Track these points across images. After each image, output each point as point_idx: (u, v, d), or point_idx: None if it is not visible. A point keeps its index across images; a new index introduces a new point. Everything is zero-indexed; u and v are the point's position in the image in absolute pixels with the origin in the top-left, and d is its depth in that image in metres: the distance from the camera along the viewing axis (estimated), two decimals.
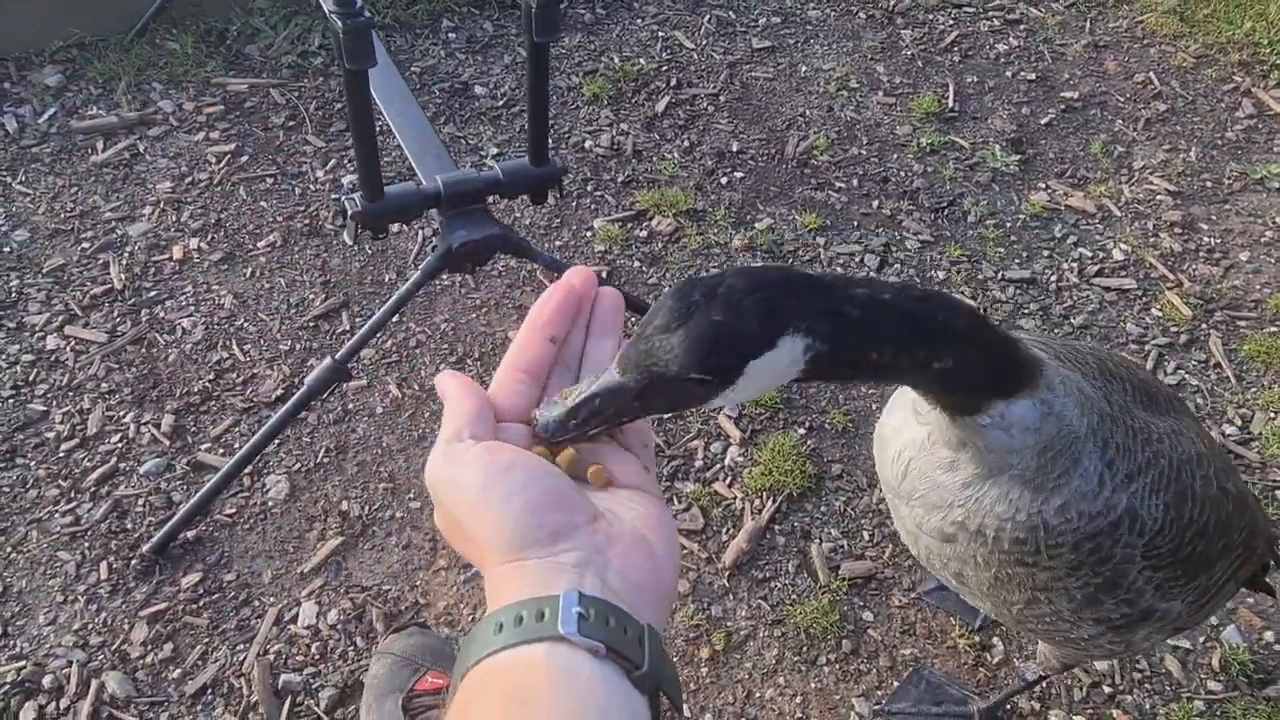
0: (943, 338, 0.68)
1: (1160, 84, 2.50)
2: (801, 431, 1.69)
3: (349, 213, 1.32)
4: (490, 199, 1.46)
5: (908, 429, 0.90)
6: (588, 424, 0.58)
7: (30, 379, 1.64)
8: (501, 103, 2.27)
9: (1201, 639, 1.45)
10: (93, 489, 1.51)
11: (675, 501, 1.57)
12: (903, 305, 0.64)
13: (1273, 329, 1.90)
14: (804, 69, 2.48)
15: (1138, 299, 1.96)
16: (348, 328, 1.76)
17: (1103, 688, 1.39)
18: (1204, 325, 1.91)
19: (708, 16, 2.61)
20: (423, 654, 1.26)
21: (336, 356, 1.41)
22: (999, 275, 2.00)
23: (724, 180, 2.16)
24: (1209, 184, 2.23)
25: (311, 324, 1.77)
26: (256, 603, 1.40)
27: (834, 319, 0.62)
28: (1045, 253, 2.06)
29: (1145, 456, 0.90)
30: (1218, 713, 1.37)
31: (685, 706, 1.34)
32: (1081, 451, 0.84)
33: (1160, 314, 1.94)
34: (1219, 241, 2.10)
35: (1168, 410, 0.99)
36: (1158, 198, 2.19)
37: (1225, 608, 1.48)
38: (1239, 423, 1.74)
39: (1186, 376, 1.82)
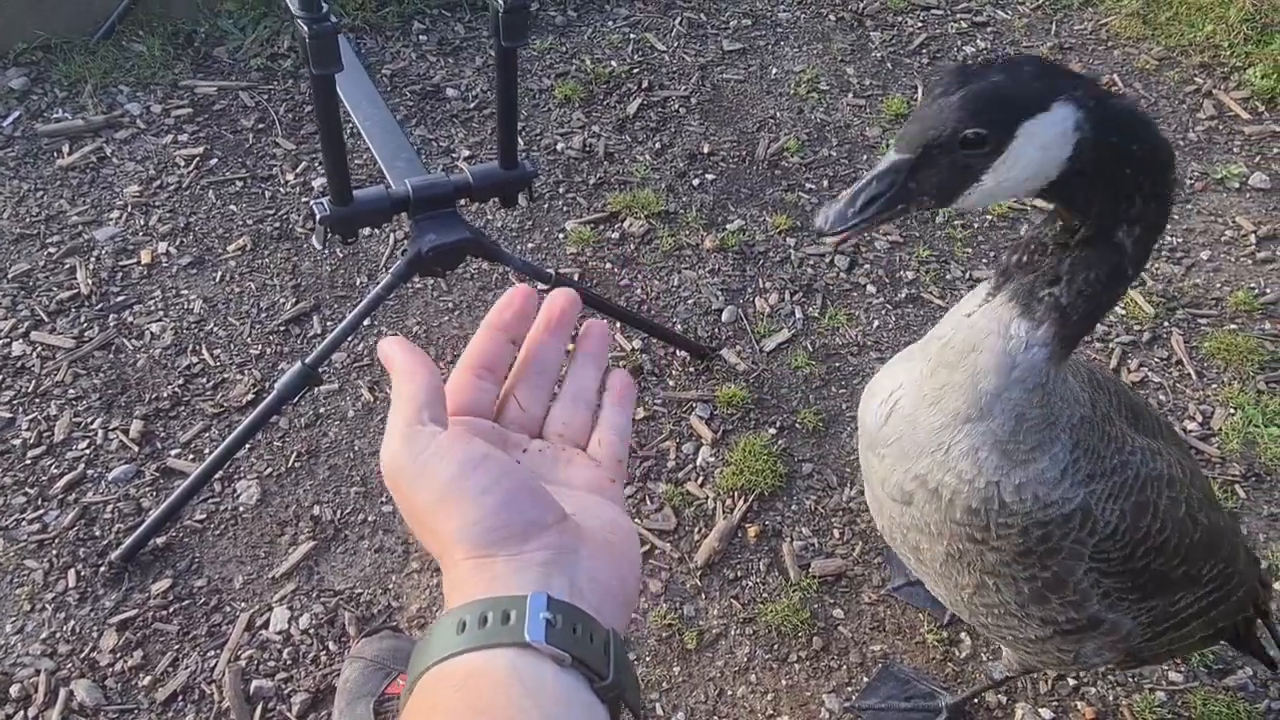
0: (1164, 180, 0.75)
1: (1123, 86, 2.54)
2: (772, 431, 1.70)
3: (318, 217, 1.32)
4: (460, 202, 1.46)
5: (908, 369, 0.91)
6: (866, 210, 0.64)
7: None
8: (473, 105, 2.27)
9: None
10: (60, 496, 1.49)
11: (648, 502, 1.58)
12: (1154, 127, 0.73)
13: (1232, 326, 1.94)
14: (774, 71, 2.50)
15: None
16: (319, 331, 1.76)
17: (1067, 680, 1.42)
18: (1166, 323, 1.95)
19: (679, 18, 2.62)
20: (394, 658, 1.26)
21: (306, 361, 1.41)
22: (967, 275, 2.02)
23: (695, 182, 2.17)
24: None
25: (282, 328, 1.77)
26: (228, 608, 1.40)
27: (1105, 101, 0.70)
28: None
29: (1113, 463, 0.91)
30: (1179, 703, 1.40)
31: (658, 705, 1.35)
32: (1055, 439, 0.87)
33: (1124, 312, 1.97)
34: (1180, 241, 2.14)
35: (1154, 434, 1.00)
36: None
37: None
38: (1199, 419, 1.78)
39: (1149, 374, 1.86)
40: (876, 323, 1.91)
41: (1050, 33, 2.73)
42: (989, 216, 2.16)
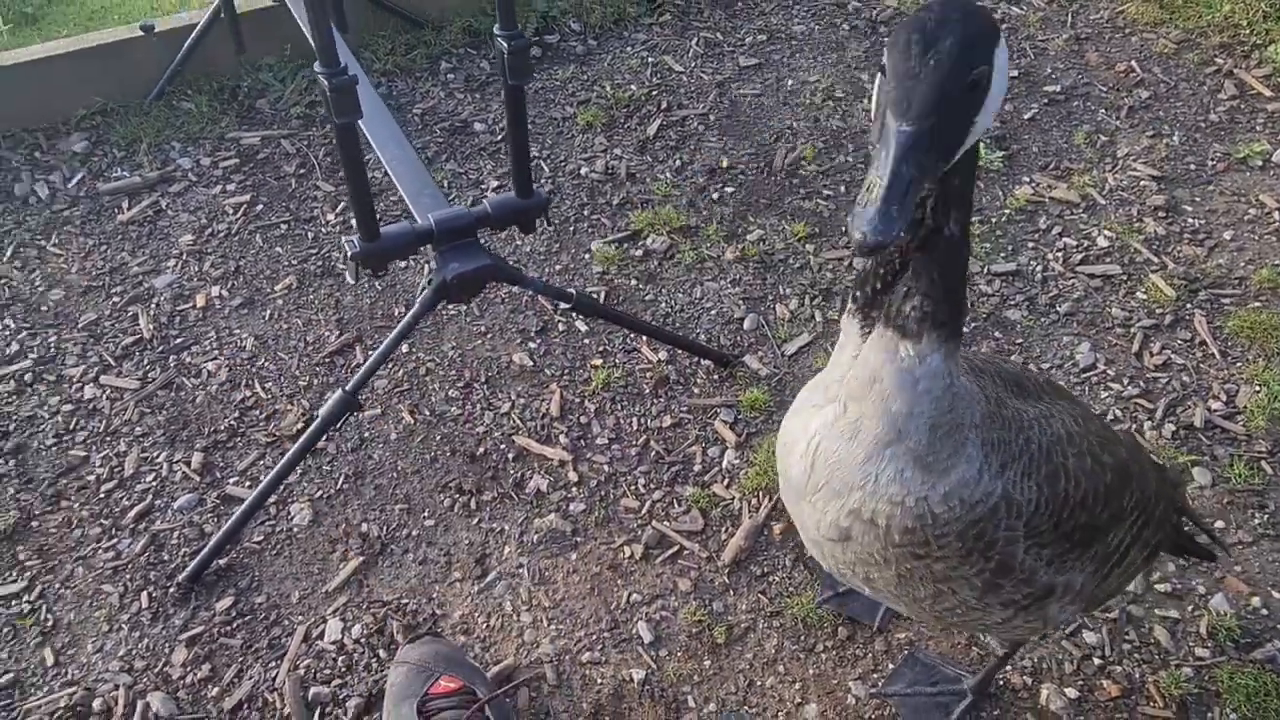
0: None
1: (1142, 71, 2.55)
2: None
3: (348, 253, 1.43)
4: (482, 232, 1.55)
5: (818, 415, 0.96)
6: (908, 202, 0.61)
7: (70, 427, 1.77)
8: (499, 138, 2.37)
9: (1190, 608, 1.50)
10: (131, 525, 1.62)
11: (675, 505, 1.65)
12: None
13: (1256, 304, 1.94)
14: (790, 82, 2.56)
15: (1122, 284, 2.01)
16: (361, 361, 1.87)
17: (1093, 659, 1.44)
18: (1188, 305, 1.96)
19: (695, 39, 2.70)
20: (436, 660, 1.35)
21: (346, 389, 1.51)
22: (984, 269, 2.06)
23: (715, 196, 2.24)
24: (1193, 166, 2.27)
25: (327, 360, 1.88)
26: (286, 622, 1.50)
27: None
28: (1030, 245, 2.12)
29: (1018, 445, 0.96)
30: (1206, 678, 1.41)
31: (690, 698, 1.41)
32: (965, 441, 0.91)
33: (1145, 297, 1.98)
34: (1203, 222, 2.14)
35: (1039, 396, 1.05)
36: (1141, 183, 2.24)
37: (1216, 579, 1.52)
38: (1224, 398, 1.78)
39: (1172, 356, 1.87)
40: None
41: (1066, 24, 2.74)
42: (1006, 211, 2.19)
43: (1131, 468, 1.11)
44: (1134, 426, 1.75)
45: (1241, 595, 1.50)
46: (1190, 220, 2.14)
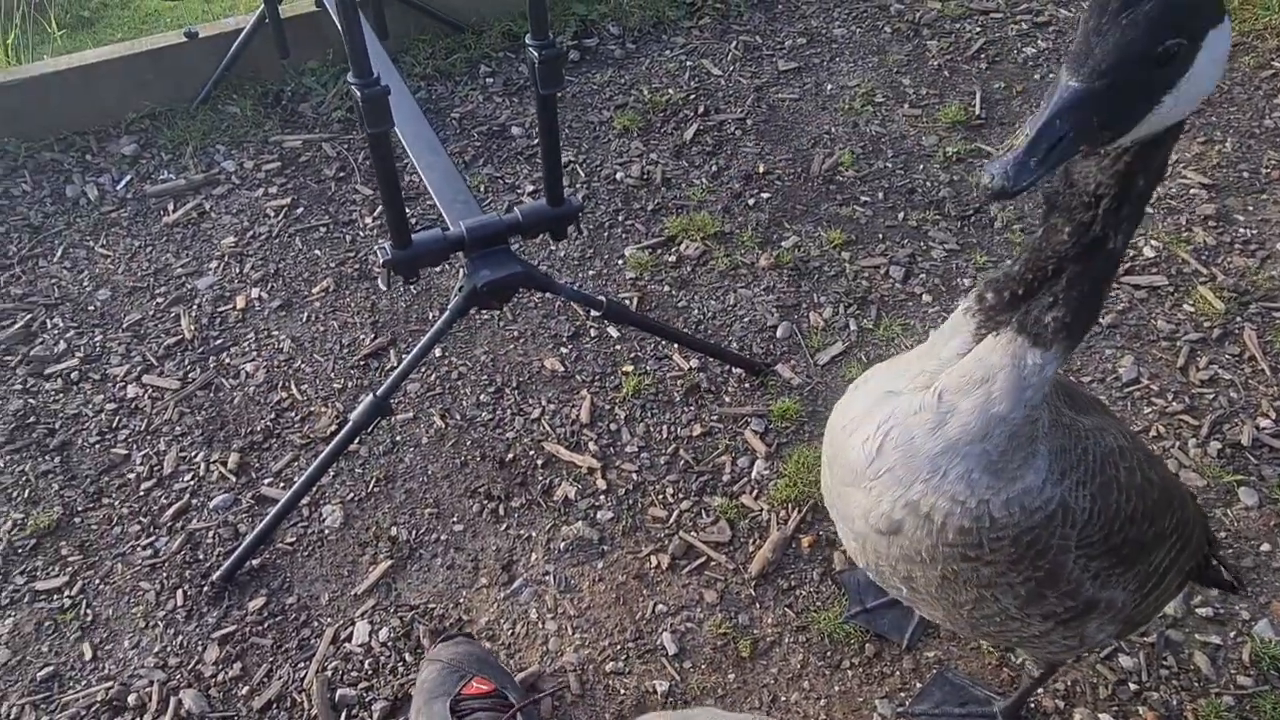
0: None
1: None
2: None
3: (380, 260, 1.44)
4: (514, 238, 1.56)
5: (896, 401, 0.93)
6: (1050, 157, 0.58)
7: (113, 425, 1.81)
8: (537, 141, 2.38)
9: (1232, 634, 1.45)
10: (169, 524, 1.65)
11: (703, 515, 1.64)
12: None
13: None
14: (829, 87, 2.54)
15: (1169, 295, 1.96)
16: (395, 365, 1.89)
17: (1129, 685, 1.41)
18: (1238, 318, 1.90)
19: (734, 43, 2.68)
20: (469, 661, 1.35)
21: (377, 393, 1.53)
22: None
23: (751, 202, 2.23)
24: (1245, 174, 2.21)
25: (362, 363, 1.90)
26: (315, 623, 1.52)
27: None
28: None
29: (1077, 454, 0.95)
30: (1248, 707, 1.37)
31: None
32: (1036, 451, 0.90)
33: (1192, 309, 1.93)
34: (1255, 232, 2.07)
35: (1089, 410, 1.03)
36: (1191, 191, 2.18)
37: (1260, 605, 1.47)
38: (1274, 416, 1.73)
39: (1219, 371, 1.81)
40: (933, 331, 1.92)
41: None
42: None
43: (1173, 489, 1.10)
44: (1178, 444, 1.70)
45: None
46: (1242, 230, 2.08)
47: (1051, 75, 2.52)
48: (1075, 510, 0.93)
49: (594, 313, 1.68)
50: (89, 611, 1.55)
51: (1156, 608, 1.16)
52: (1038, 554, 0.92)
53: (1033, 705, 1.39)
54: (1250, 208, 2.13)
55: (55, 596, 1.57)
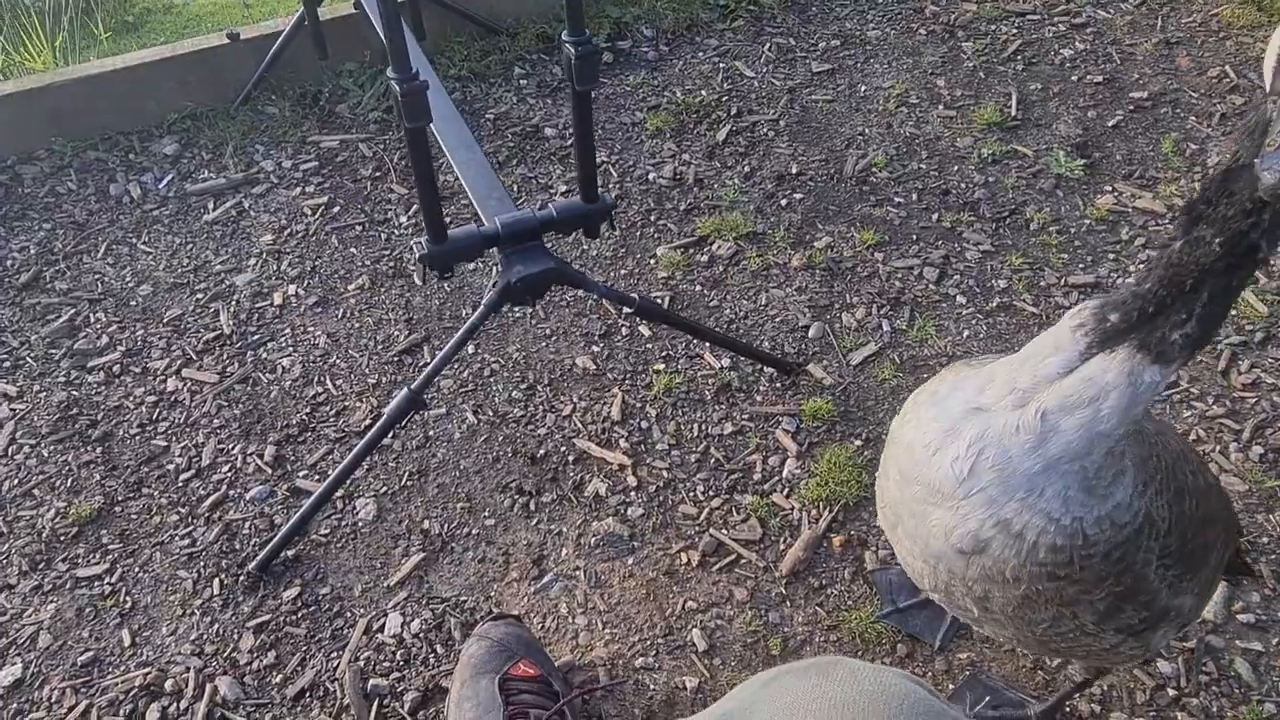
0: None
1: (1236, 77, 2.44)
2: (858, 443, 1.73)
3: (416, 255, 1.45)
4: (547, 236, 1.57)
5: (988, 418, 0.91)
6: None
7: (154, 418, 1.84)
8: (569, 142, 2.39)
9: (1275, 640, 1.43)
10: (206, 514, 1.68)
11: (734, 513, 1.64)
12: None
13: None
14: (863, 88, 2.53)
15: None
16: (428, 360, 1.90)
17: (1167, 690, 1.38)
18: None
19: (768, 44, 2.68)
20: (518, 643, 1.35)
21: (412, 388, 1.54)
22: (1062, 281, 1.99)
23: (783, 202, 2.22)
24: None
25: (396, 359, 1.92)
26: (348, 614, 1.54)
27: None
28: (1111, 256, 2.04)
29: (1153, 462, 0.93)
30: None
31: None
32: (1125, 467, 0.89)
33: (1235, 312, 1.90)
34: None
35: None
36: None
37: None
38: None
39: (1262, 375, 1.78)
40: (966, 333, 1.91)
41: (1156, 28, 2.65)
42: (1086, 221, 2.12)
43: (1217, 486, 1.10)
44: (1219, 448, 1.68)
45: None
46: None
47: (1088, 77, 2.49)
48: (1158, 522, 0.92)
49: (626, 310, 1.68)
50: (128, 598, 1.57)
51: (1202, 609, 1.15)
52: (1124, 569, 0.91)
53: (1068, 709, 1.37)
54: None
55: (96, 583, 1.60)
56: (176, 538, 1.65)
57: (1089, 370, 0.86)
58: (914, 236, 2.12)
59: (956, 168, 2.28)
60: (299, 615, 1.54)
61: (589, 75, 1.39)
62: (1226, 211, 0.77)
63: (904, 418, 1.04)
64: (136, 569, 1.61)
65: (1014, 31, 2.68)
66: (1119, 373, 0.84)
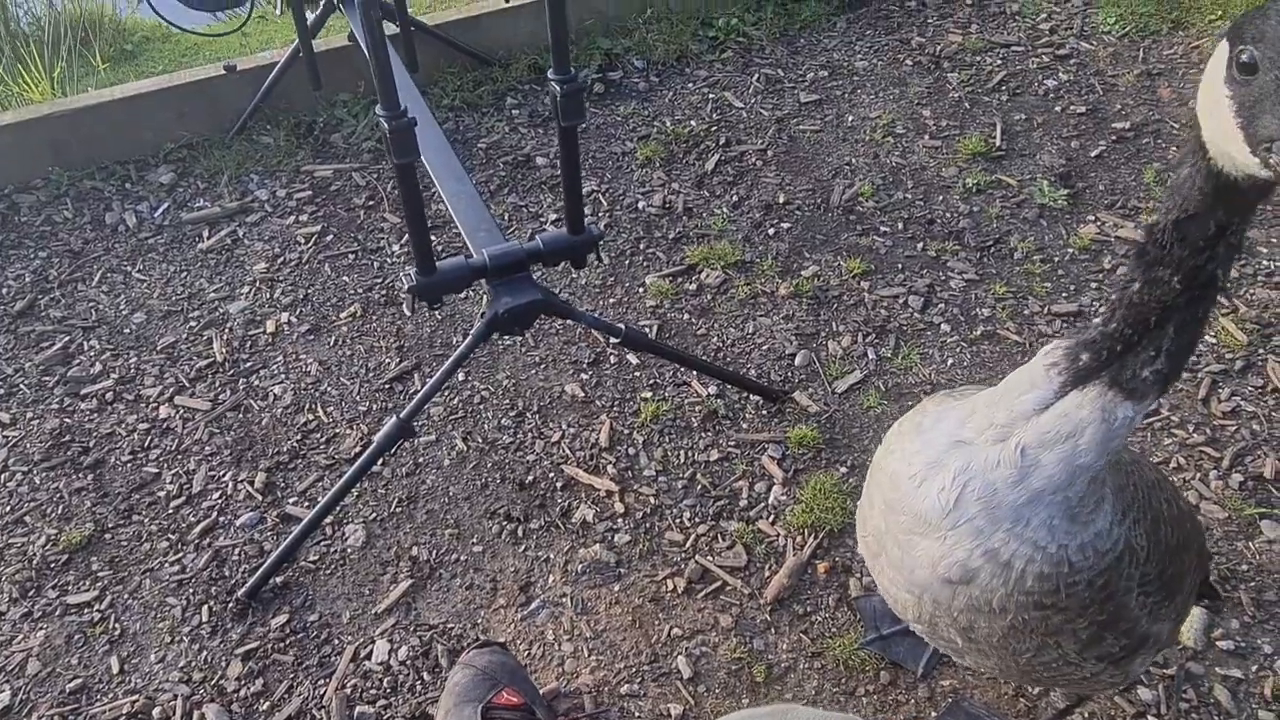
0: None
1: None
2: (843, 470, 1.75)
3: (405, 286, 1.48)
4: (534, 266, 1.59)
5: (971, 451, 0.92)
6: None
7: (145, 445, 1.85)
8: (560, 172, 2.42)
9: (1254, 667, 1.44)
10: (196, 541, 1.69)
11: (720, 540, 1.65)
12: None
13: None
14: (850, 119, 2.57)
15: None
16: (419, 388, 1.92)
17: (1147, 717, 1.39)
18: (1261, 350, 1.89)
19: (756, 75, 2.73)
20: (502, 671, 1.37)
21: (401, 415, 1.56)
22: (1045, 310, 2.02)
23: (771, 231, 2.25)
24: (1269, 206, 2.20)
25: (387, 386, 1.94)
26: (336, 641, 1.55)
27: None
28: (1094, 284, 2.07)
29: (1130, 491, 0.95)
30: None
31: None
32: (1105, 495, 0.91)
33: (1214, 341, 1.92)
34: (1278, 265, 2.07)
35: None
36: None
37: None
38: None
39: (1241, 403, 1.81)
40: (951, 361, 1.94)
41: (1138, 59, 2.69)
42: (1069, 250, 2.15)
43: (1189, 513, 1.12)
44: (1199, 475, 1.70)
45: None
46: (1265, 262, 2.08)
47: (1071, 108, 2.54)
48: (1138, 550, 0.94)
49: (613, 339, 1.70)
50: (117, 625, 1.58)
51: (1178, 632, 1.17)
52: (1107, 597, 0.93)
53: None
54: (1274, 239, 2.13)
55: (85, 610, 1.61)
56: (166, 564, 1.66)
57: (1064, 407, 0.87)
58: (899, 265, 2.15)
59: (942, 197, 2.31)
60: (287, 642, 1.55)
61: (574, 111, 1.42)
62: (1181, 253, 0.80)
63: (887, 448, 1.05)
64: (126, 596, 1.62)
65: (999, 63, 2.72)
66: (1092, 408, 0.86)
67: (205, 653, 1.54)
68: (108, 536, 1.71)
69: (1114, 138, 2.44)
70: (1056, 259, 2.14)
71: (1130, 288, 0.83)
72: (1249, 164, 0.70)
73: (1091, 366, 0.86)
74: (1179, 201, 0.79)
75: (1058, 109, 2.55)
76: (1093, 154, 2.40)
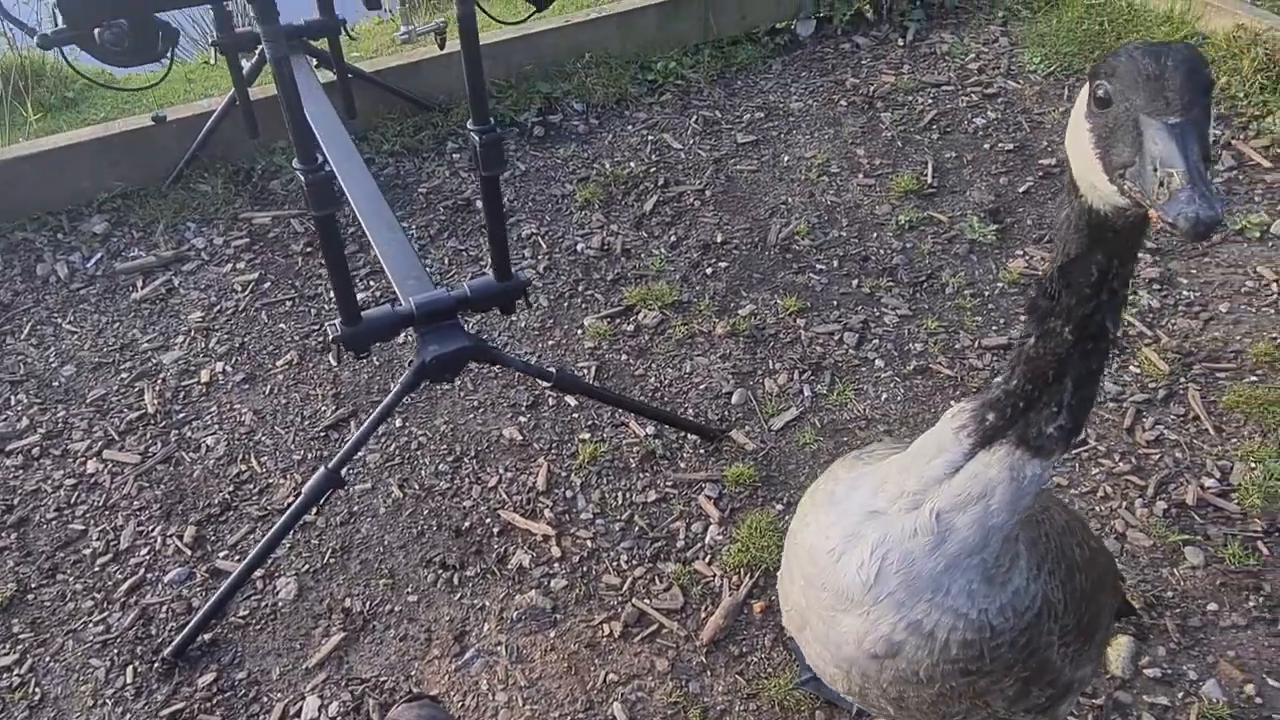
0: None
1: None
2: (780, 507, 1.76)
3: (330, 337, 1.47)
4: (464, 313, 1.60)
5: (885, 522, 0.92)
6: (1211, 186, 0.60)
7: (72, 501, 1.82)
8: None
9: (1180, 694, 1.46)
10: (122, 599, 1.65)
11: (656, 582, 1.65)
12: None
13: (1253, 379, 1.92)
14: (786, 158, 2.62)
15: (1115, 358, 2.00)
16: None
17: None
18: (1182, 379, 1.94)
19: (694, 117, 2.77)
20: None
21: (329, 466, 1.55)
22: (976, 344, 2.06)
23: (709, 271, 2.28)
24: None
25: (322, 434, 1.92)
26: (265, 699, 1.52)
27: None
28: (1023, 318, 2.12)
29: (1043, 544, 0.97)
30: None
31: None
32: (1018, 551, 0.92)
33: (1138, 370, 1.97)
34: (1198, 295, 2.13)
35: None
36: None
37: (1209, 665, 1.48)
38: (1218, 475, 1.75)
39: (1165, 431, 1.85)
40: (885, 396, 1.96)
41: (1063, 97, 2.78)
42: (999, 284, 2.20)
43: (1101, 547, 1.14)
44: (1125, 504, 1.73)
45: (1235, 682, 1.46)
46: (1185, 293, 2.14)
47: (1000, 145, 2.61)
48: (1055, 604, 0.95)
49: (544, 384, 1.71)
50: (38, 690, 1.54)
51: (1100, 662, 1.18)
52: (1030, 654, 0.94)
53: None
54: (1193, 271, 2.19)
55: (4, 675, 1.56)
56: (90, 624, 1.62)
57: (974, 468, 0.89)
58: (835, 302, 2.18)
59: (875, 234, 2.36)
60: (214, 702, 1.52)
61: (495, 161, 1.43)
62: (1069, 301, 0.82)
63: (802, 519, 1.05)
64: (48, 658, 1.58)
65: (930, 102, 2.79)
66: (1000, 467, 0.87)
67: (129, 716, 1.50)
68: (30, 597, 1.67)
69: (1040, 173, 2.51)
70: (987, 293, 2.18)
71: (1026, 343, 0.85)
72: (1109, 192, 0.72)
73: (998, 425, 0.87)
74: (1062, 246, 0.82)
75: (987, 146, 2.62)
76: (1020, 190, 2.46)
